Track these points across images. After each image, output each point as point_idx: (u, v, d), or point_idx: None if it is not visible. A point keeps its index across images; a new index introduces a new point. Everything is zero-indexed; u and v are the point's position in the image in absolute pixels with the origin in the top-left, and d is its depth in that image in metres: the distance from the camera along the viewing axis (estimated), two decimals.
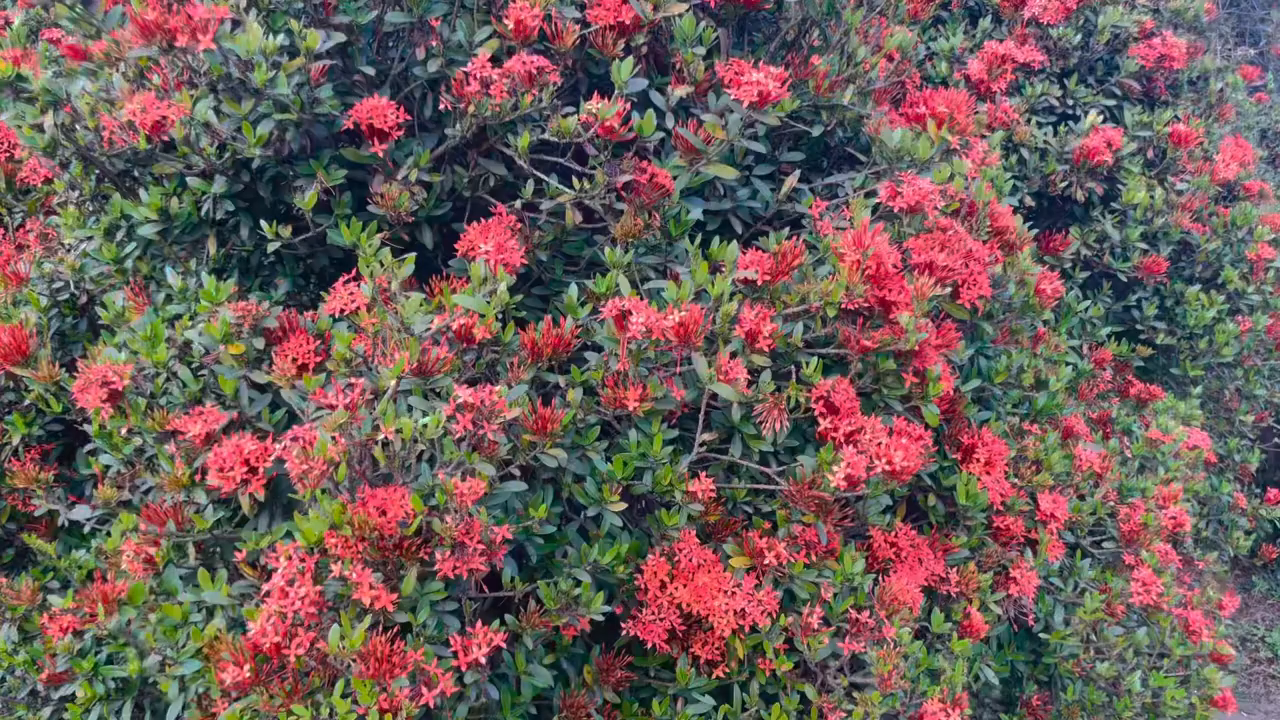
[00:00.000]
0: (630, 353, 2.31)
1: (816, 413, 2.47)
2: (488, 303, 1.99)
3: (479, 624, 2.09)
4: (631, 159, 2.41)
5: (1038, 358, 3.20)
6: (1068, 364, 3.47)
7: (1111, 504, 3.28)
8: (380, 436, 1.95)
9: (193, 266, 2.80)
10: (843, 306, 2.42)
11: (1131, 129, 4.13)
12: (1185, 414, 3.96)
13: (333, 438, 1.98)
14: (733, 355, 2.36)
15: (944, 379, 2.61)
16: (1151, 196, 4.00)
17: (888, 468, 2.31)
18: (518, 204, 2.58)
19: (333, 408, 2.01)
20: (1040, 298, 2.92)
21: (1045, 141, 3.99)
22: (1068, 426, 3.40)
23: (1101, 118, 4.04)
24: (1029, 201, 3.98)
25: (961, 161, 2.78)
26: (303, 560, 2.03)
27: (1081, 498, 3.22)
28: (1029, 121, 4.03)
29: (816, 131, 2.96)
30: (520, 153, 2.40)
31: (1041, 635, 3.15)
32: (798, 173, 2.96)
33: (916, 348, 2.45)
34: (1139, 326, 4.30)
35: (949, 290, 2.58)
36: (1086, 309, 4.05)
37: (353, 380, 2.11)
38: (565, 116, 2.34)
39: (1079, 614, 3.14)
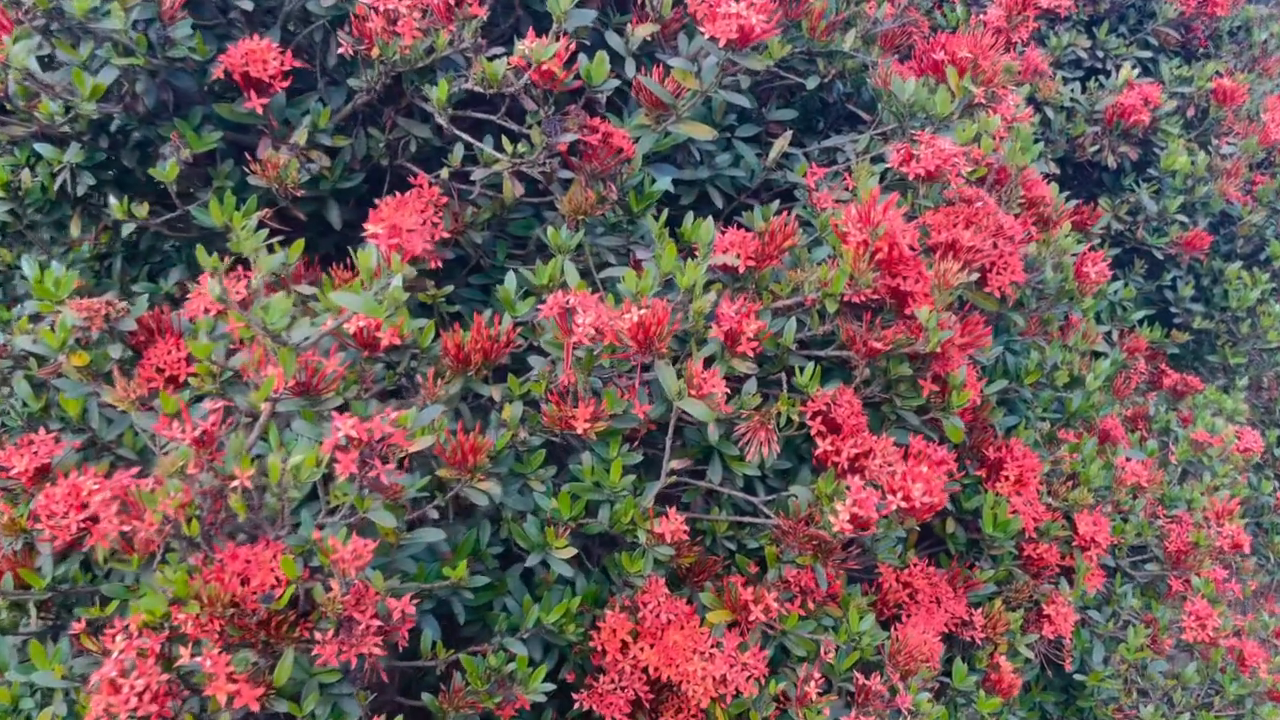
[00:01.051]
0: (578, 361, 1.82)
1: (813, 431, 1.99)
2: (378, 301, 1.50)
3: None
4: (579, 114, 1.91)
5: (1071, 351, 2.72)
6: (1102, 355, 2.99)
7: (1157, 521, 2.81)
8: (236, 483, 1.46)
9: (58, 253, 2.30)
10: (845, 299, 1.93)
11: (1170, 84, 3.63)
12: (1231, 409, 3.49)
13: (176, 482, 1.49)
14: (708, 362, 1.87)
15: (970, 385, 2.13)
16: (1193, 161, 3.50)
17: (904, 504, 1.83)
18: (444, 173, 2.08)
19: (178, 440, 1.53)
20: (1081, 282, 2.43)
21: (1073, 99, 3.49)
22: (1104, 430, 2.92)
23: (1136, 71, 3.54)
24: (1053, 167, 3.48)
25: (990, 118, 2.29)
26: (145, 640, 1.55)
27: (1124, 517, 2.75)
28: (1053, 77, 3.53)
29: (812, 84, 2.47)
30: (439, 106, 1.90)
31: (1077, 677, 2.69)
32: (789, 134, 2.47)
33: (939, 349, 1.97)
34: (1173, 309, 3.82)
35: (975, 276, 2.10)
36: (1117, 291, 3.56)
37: (213, 403, 1.63)
38: (492, 59, 1.84)
39: (1121, 651, 2.68)
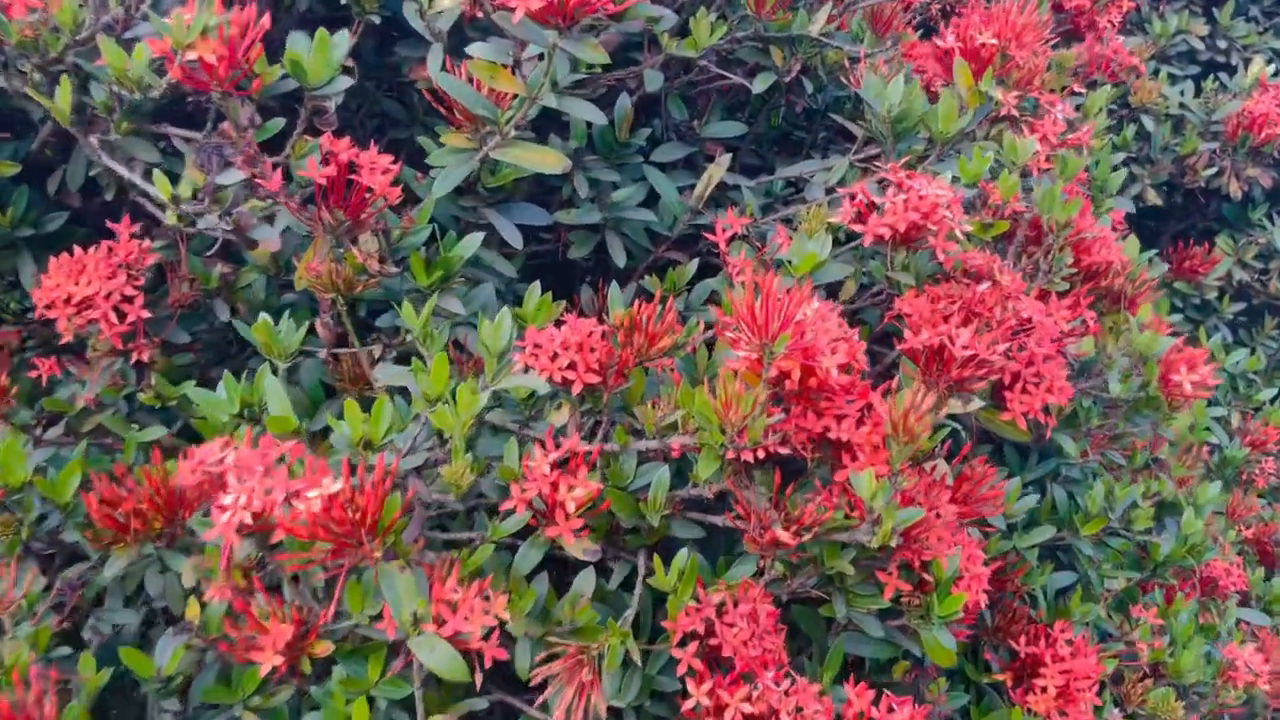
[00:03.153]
0: (238, 566, 1.06)
1: (680, 667, 1.19)
2: None
3: None
4: (246, 137, 1.14)
5: (1161, 480, 1.84)
6: (1211, 478, 2.10)
7: None
8: None
9: None
10: (726, 455, 1.13)
11: None
12: None
13: None
14: (466, 582, 1.09)
15: (972, 579, 1.30)
16: None
17: None
18: (170, 216, 1.34)
19: None
20: (1170, 394, 1.56)
21: (1182, 105, 2.58)
22: (1208, 580, 2.04)
23: (1271, 68, 2.61)
24: (1152, 197, 2.58)
25: (1022, 140, 1.45)
26: None
27: None
28: (1156, 75, 2.63)
29: (761, 85, 1.66)
30: (62, 116, 1.16)
31: None
32: (727, 158, 1.67)
33: (895, 542, 1.14)
34: None
35: (976, 404, 1.27)
36: (1239, 362, 2.64)
37: None
38: (131, 41, 1.09)
39: None
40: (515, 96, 1.30)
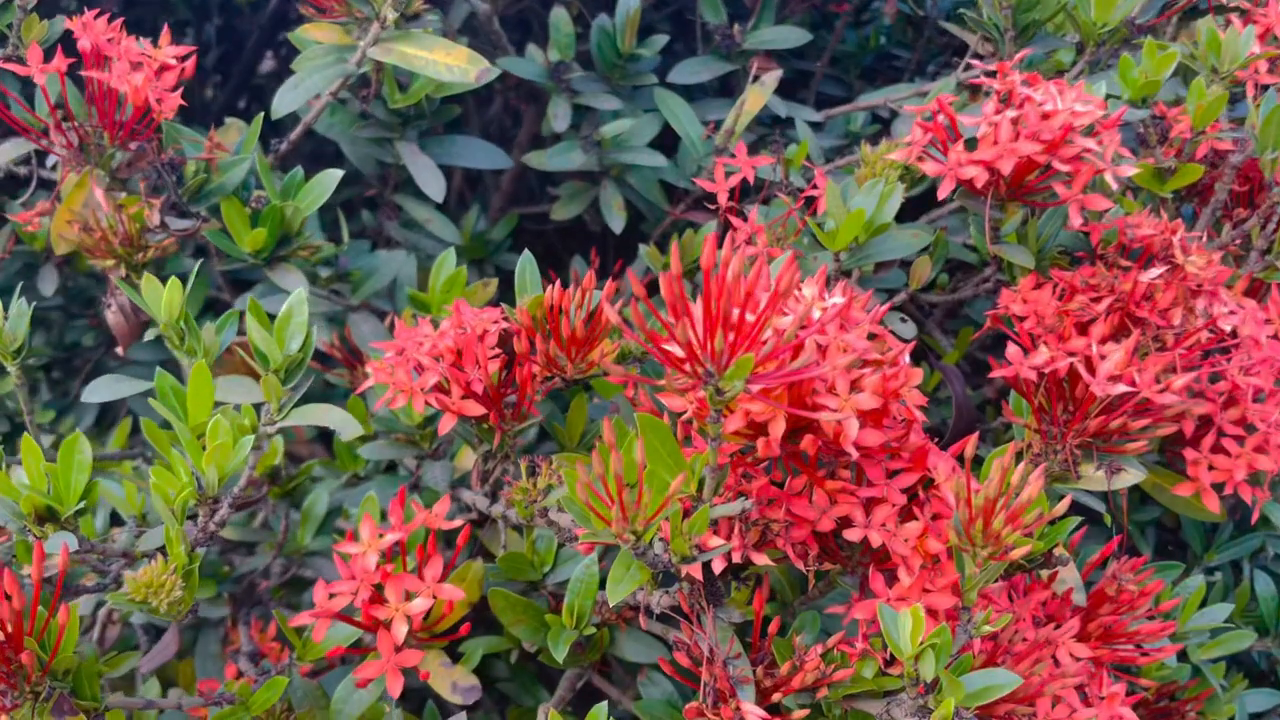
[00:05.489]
0: None
1: None
2: None
3: None
4: None
5: None
6: None
7: None
8: None
9: None
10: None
11: None
12: None
13: None
14: None
15: None
16: None
17: None
18: None
19: None
20: None
21: None
22: None
23: None
24: None
25: (1230, 34, 0.89)
26: None
27: None
28: None
29: None
30: None
31: None
32: (775, 75, 1.16)
33: None
34: None
35: (1141, 458, 0.73)
36: None
37: None
38: None
39: None
40: None
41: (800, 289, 0.67)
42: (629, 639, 0.83)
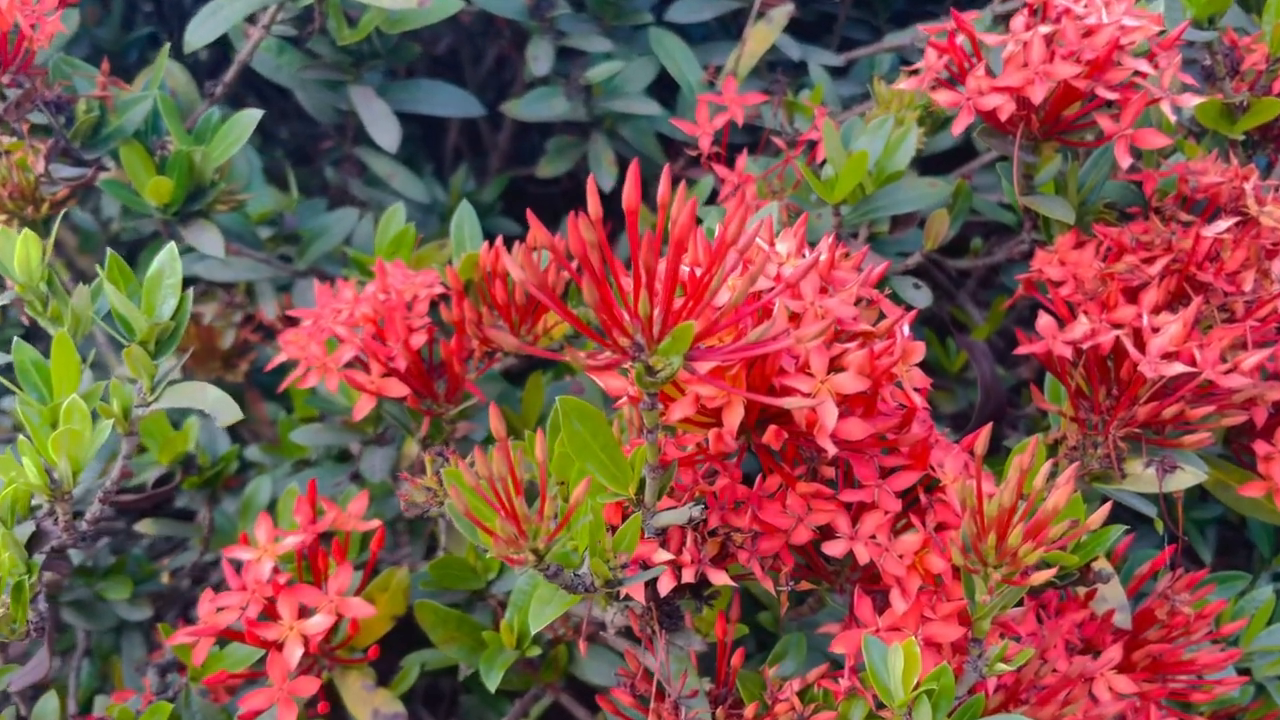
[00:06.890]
0: None
1: None
2: None
3: None
4: None
5: None
6: None
7: None
8: None
9: None
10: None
11: None
12: None
13: None
14: None
15: None
16: None
17: None
18: None
19: None
20: None
21: None
22: None
23: None
24: None
25: None
26: None
27: None
28: None
29: None
30: None
31: None
32: (786, 10, 1.03)
33: None
34: None
35: (1203, 452, 0.60)
36: None
37: None
38: None
39: None
40: None
41: (775, 246, 0.54)
42: (591, 658, 0.71)
